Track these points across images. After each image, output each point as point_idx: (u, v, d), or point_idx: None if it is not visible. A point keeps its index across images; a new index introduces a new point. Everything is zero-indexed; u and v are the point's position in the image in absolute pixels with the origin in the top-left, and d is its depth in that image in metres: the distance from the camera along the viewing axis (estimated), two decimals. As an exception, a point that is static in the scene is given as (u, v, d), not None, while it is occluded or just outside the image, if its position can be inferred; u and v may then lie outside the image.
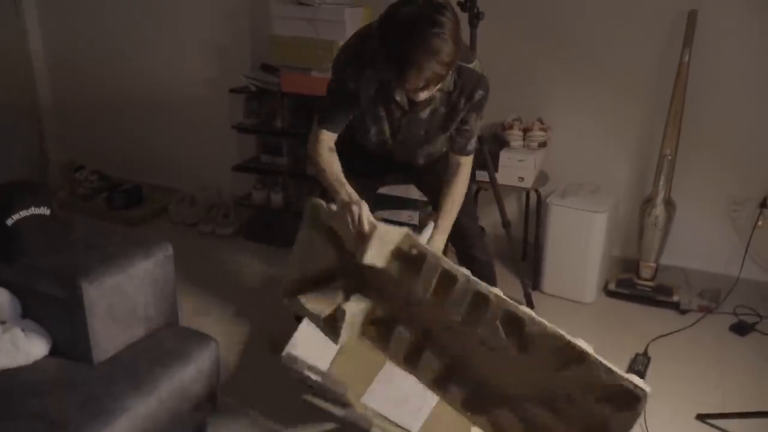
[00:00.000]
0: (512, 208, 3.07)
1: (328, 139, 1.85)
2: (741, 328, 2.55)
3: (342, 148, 1.98)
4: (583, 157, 2.91)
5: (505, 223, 2.63)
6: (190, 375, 1.69)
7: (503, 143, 2.79)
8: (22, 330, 1.61)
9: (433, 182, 2.11)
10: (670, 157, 2.61)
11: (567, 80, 2.84)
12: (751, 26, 2.51)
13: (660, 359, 2.35)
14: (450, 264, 1.54)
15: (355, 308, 1.64)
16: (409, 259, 1.59)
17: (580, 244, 2.67)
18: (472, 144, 1.96)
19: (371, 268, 1.60)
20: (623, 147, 2.84)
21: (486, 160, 2.58)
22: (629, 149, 2.84)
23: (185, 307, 1.93)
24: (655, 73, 2.68)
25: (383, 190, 2.38)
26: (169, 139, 3.67)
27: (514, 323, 1.43)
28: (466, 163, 1.96)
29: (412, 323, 1.65)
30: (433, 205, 2.29)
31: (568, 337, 1.36)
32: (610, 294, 2.78)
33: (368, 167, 2.10)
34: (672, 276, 2.81)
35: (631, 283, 2.76)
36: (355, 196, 1.71)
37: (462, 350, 1.57)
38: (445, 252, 2.28)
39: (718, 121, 2.65)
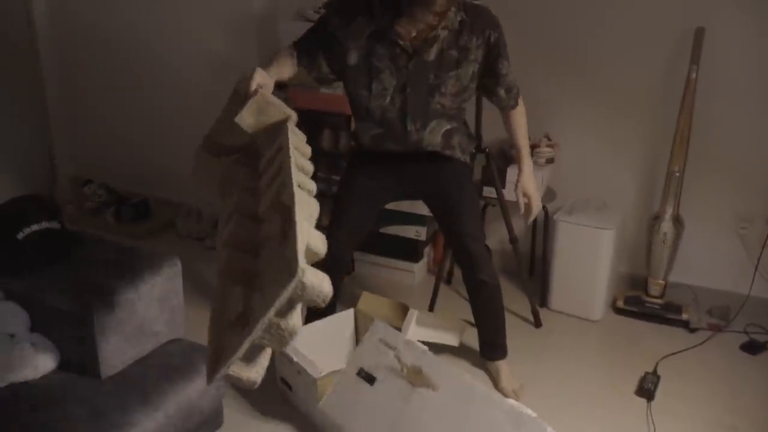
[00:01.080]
0: (519, 224, 3.04)
1: (289, 53, 1.90)
2: (752, 347, 2.52)
3: (348, 164, 2.01)
4: (590, 173, 2.91)
5: (513, 240, 2.62)
6: (197, 390, 1.69)
7: (510, 159, 2.79)
8: (31, 344, 1.62)
9: (441, 200, 2.11)
10: (677, 174, 2.60)
11: (574, 96, 2.85)
12: (758, 43, 2.52)
13: (670, 378, 2.33)
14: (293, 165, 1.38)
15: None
16: (271, 137, 1.51)
17: (587, 261, 2.66)
18: (516, 89, 2.02)
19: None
20: (631, 163, 2.84)
21: (493, 176, 2.58)
22: (637, 166, 2.83)
23: (192, 321, 1.93)
24: (663, 89, 2.69)
25: (390, 205, 2.38)
26: (177, 153, 3.66)
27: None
28: (514, 114, 2.05)
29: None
30: (441, 226, 2.29)
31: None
32: (619, 311, 2.77)
33: (372, 184, 2.09)
34: (681, 293, 2.79)
35: (640, 301, 2.74)
36: (264, 73, 1.66)
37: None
38: (449, 274, 2.28)
39: (725, 138, 2.65)
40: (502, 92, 1.99)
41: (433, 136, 1.97)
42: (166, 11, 3.42)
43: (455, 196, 2.09)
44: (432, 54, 1.82)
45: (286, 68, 1.93)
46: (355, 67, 1.90)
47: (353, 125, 2.10)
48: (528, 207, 2.14)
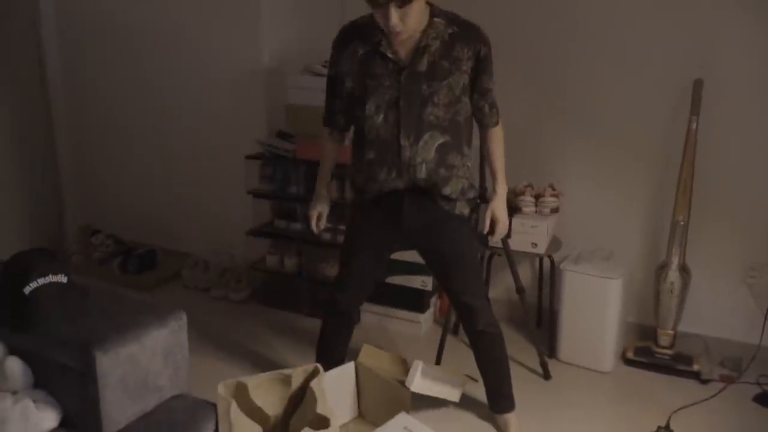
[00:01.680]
0: (526, 273, 3.05)
1: (328, 133, 2.15)
2: (765, 399, 2.47)
3: (350, 218, 2.04)
4: (595, 222, 2.91)
5: (519, 290, 2.61)
6: (200, 448, 1.66)
7: (515, 209, 2.80)
8: (33, 401, 1.60)
9: (436, 257, 2.11)
10: (682, 223, 2.60)
11: (577, 146, 2.88)
12: (757, 92, 2.55)
13: (682, 432, 2.28)
14: None
15: None
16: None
17: (595, 311, 2.64)
18: (497, 108, 2.04)
19: None
20: (636, 213, 2.85)
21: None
22: (642, 215, 2.84)
23: (196, 375, 1.91)
24: (664, 139, 2.71)
25: (395, 255, 2.38)
26: (185, 204, 3.72)
27: None
28: (495, 130, 2.07)
29: None
30: (436, 278, 2.29)
31: None
32: (629, 362, 2.72)
33: (375, 236, 2.09)
34: (691, 344, 2.75)
35: (650, 352, 2.70)
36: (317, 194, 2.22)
37: None
38: (456, 325, 2.26)
39: (729, 187, 2.66)
40: (486, 107, 2.02)
41: (427, 151, 1.91)
42: (176, 64, 3.51)
43: (450, 255, 2.07)
44: (424, 64, 1.86)
45: (334, 153, 2.17)
46: (352, 92, 1.97)
47: (350, 169, 2.12)
48: (492, 228, 2.14)
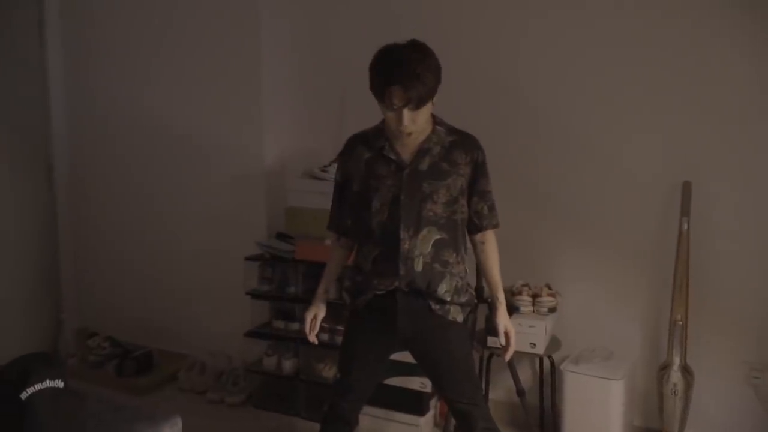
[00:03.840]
0: (526, 374, 3.01)
1: (336, 239, 2.20)
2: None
3: (347, 323, 2.05)
4: (594, 322, 2.91)
5: (520, 392, 2.57)
6: None
7: (512, 309, 2.81)
8: None
9: (430, 364, 2.10)
10: (681, 323, 2.61)
11: (573, 247, 2.93)
12: (744, 193, 2.63)
13: None
14: None
15: None
16: None
17: (598, 413, 2.59)
18: (496, 210, 2.10)
19: None
20: (634, 312, 2.85)
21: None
22: (640, 315, 2.84)
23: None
24: (657, 240, 2.77)
25: (394, 355, 2.36)
26: (184, 305, 3.72)
27: None
28: (490, 235, 2.11)
29: None
30: (432, 383, 2.25)
31: None
32: (635, 468, 2.64)
33: (372, 340, 2.09)
34: (699, 448, 2.68)
35: (656, 456, 2.63)
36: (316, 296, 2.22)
37: None
38: (456, 428, 2.22)
39: (725, 286, 2.68)
40: (485, 209, 2.07)
41: (425, 244, 1.97)
42: (180, 166, 3.63)
43: (445, 363, 2.06)
44: (425, 164, 1.98)
45: (342, 259, 2.22)
46: (358, 193, 2.05)
47: (348, 272, 2.15)
48: (508, 343, 2.10)
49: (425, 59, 1.87)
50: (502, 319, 2.10)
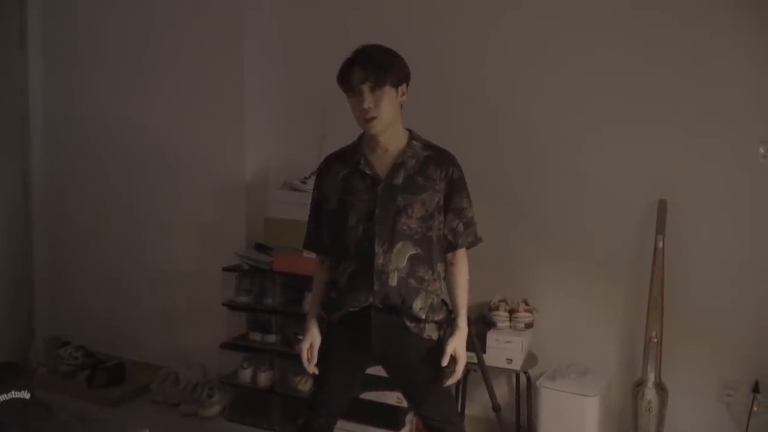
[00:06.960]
0: (502, 390, 3.01)
1: (320, 261, 2.15)
2: None
3: (323, 340, 2.05)
4: (571, 338, 2.92)
5: (496, 407, 2.57)
6: None
7: (490, 324, 2.82)
8: None
9: (404, 381, 2.10)
10: (655, 340, 2.62)
11: (550, 263, 2.94)
12: (719, 211, 2.66)
13: None
14: None
15: None
16: None
17: (574, 429, 2.59)
18: (475, 227, 2.06)
19: None
20: (610, 329, 2.87)
21: (473, 342, 2.58)
22: (616, 331, 2.86)
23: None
24: (634, 257, 2.79)
25: (370, 369, 2.35)
26: (159, 316, 3.68)
27: None
28: (462, 256, 2.06)
29: None
30: (407, 400, 2.22)
31: None
32: (610, 485, 2.64)
33: (347, 356, 2.07)
34: (672, 465, 2.69)
35: (631, 473, 2.63)
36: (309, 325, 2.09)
37: None
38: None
39: (699, 304, 2.71)
40: (461, 226, 2.02)
41: (399, 259, 1.94)
42: (158, 177, 3.60)
43: (420, 381, 2.04)
44: (400, 178, 1.97)
45: (326, 276, 2.12)
46: (335, 211, 2.03)
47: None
48: (454, 370, 2.00)
49: (389, 52, 1.95)
50: (454, 343, 1.98)
